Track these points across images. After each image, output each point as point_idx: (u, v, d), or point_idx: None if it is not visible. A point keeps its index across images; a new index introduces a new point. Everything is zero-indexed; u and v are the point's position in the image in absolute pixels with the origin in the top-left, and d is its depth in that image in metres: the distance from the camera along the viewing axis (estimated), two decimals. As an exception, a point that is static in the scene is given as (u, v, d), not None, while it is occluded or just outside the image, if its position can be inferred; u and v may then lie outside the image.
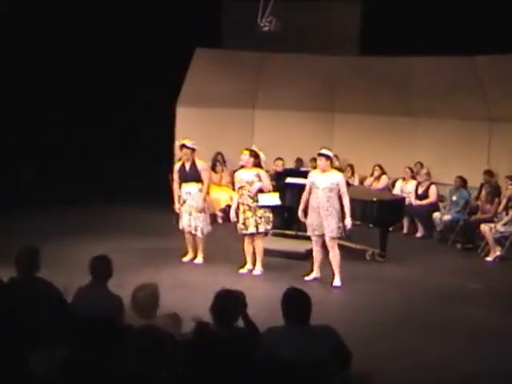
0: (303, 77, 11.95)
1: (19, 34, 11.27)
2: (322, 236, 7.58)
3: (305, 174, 8.06)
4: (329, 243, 7.55)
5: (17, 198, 10.67)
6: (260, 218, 7.83)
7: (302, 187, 7.87)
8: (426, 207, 10.45)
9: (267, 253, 8.18)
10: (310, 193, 7.61)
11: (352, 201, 8.32)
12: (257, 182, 7.82)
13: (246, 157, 7.86)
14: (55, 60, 11.77)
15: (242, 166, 8.21)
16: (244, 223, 7.87)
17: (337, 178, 7.56)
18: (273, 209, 7.97)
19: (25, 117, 11.74)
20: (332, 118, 12.07)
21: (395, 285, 7.69)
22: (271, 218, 7.94)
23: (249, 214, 7.83)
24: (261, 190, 7.82)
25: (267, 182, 7.92)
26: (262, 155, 7.95)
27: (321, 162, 7.51)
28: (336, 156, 11.42)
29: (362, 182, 11.54)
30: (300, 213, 7.69)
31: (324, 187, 7.51)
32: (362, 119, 11.77)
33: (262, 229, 7.86)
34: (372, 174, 11.41)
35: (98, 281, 4.71)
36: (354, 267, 8.28)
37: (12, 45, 11.18)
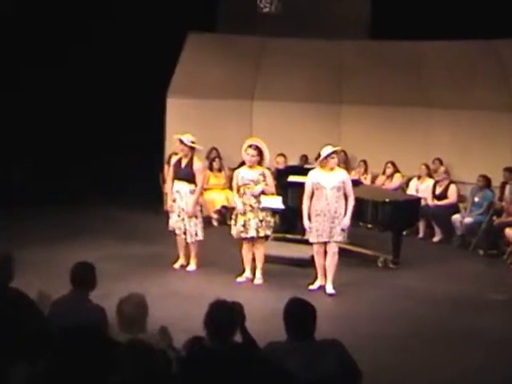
0: (307, 64, 12.01)
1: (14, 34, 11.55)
2: (325, 243, 7.63)
3: (307, 172, 8.04)
4: (332, 248, 7.61)
5: (3, 198, 10.74)
6: (261, 221, 7.84)
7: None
8: (444, 208, 10.45)
9: (268, 259, 8.21)
10: (311, 196, 7.67)
11: (362, 202, 8.46)
12: (261, 183, 7.86)
13: (253, 158, 7.83)
14: (39, 49, 11.83)
15: (243, 163, 8.25)
16: (244, 225, 7.87)
17: (343, 176, 7.65)
18: (274, 212, 8.03)
19: (15, 115, 11.87)
20: (339, 110, 12.07)
21: (409, 294, 7.73)
22: (272, 223, 7.96)
23: (250, 215, 7.83)
24: (262, 192, 7.85)
25: (272, 184, 7.97)
26: (266, 154, 7.93)
27: (335, 160, 7.60)
28: (344, 152, 11.46)
29: (373, 180, 11.58)
30: (306, 220, 7.66)
31: (332, 187, 7.55)
32: (371, 111, 11.79)
33: (262, 233, 7.88)
34: (384, 172, 11.42)
35: (79, 291, 4.72)
36: (364, 275, 8.36)
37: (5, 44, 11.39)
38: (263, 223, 7.85)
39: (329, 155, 7.56)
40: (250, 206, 7.84)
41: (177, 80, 11.89)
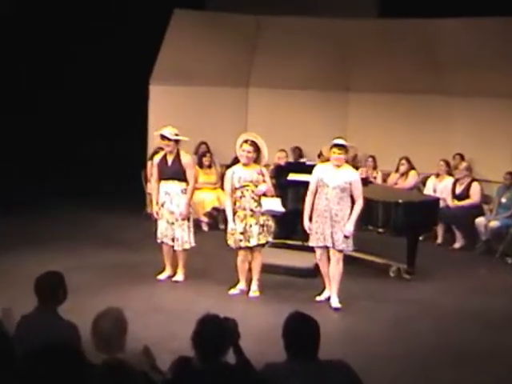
0: (309, 46, 12.10)
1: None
2: (327, 248, 7.66)
3: (312, 169, 8.07)
4: (333, 257, 7.63)
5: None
6: (262, 226, 7.84)
7: (308, 185, 7.90)
8: (466, 210, 10.48)
9: (266, 268, 8.22)
10: (315, 193, 7.66)
11: (372, 203, 8.45)
12: (263, 184, 7.84)
13: (250, 154, 7.80)
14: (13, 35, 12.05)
15: (236, 160, 8.20)
16: (244, 233, 7.84)
17: (352, 175, 7.65)
18: (273, 216, 8.04)
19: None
20: (345, 99, 12.17)
21: (427, 309, 7.72)
22: (273, 228, 7.98)
23: (252, 220, 7.81)
24: (264, 194, 7.85)
25: (270, 184, 7.98)
26: (264, 151, 7.90)
27: (341, 155, 7.58)
28: (352, 147, 11.46)
29: (384, 179, 11.65)
30: (306, 221, 7.71)
31: (335, 185, 7.56)
32: (382, 99, 11.86)
33: (263, 240, 7.90)
34: (397, 170, 11.45)
35: (47, 305, 4.68)
36: (375, 287, 8.36)
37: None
38: (265, 228, 7.86)
39: (335, 146, 7.54)
40: (251, 210, 7.81)
41: (161, 64, 11.93)
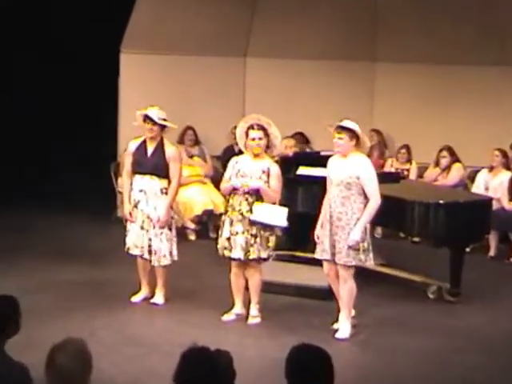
0: (323, 4, 12.13)
1: None
2: (332, 261, 7.61)
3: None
4: (341, 273, 7.59)
5: None
6: (254, 236, 7.82)
7: (322, 182, 7.94)
8: (527, 214, 10.64)
9: (269, 288, 8.23)
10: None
11: (405, 204, 8.52)
12: (258, 181, 7.77)
13: (261, 141, 7.80)
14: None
15: (230, 152, 8.16)
16: (228, 239, 7.89)
17: (361, 166, 7.53)
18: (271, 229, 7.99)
19: None
20: (370, 71, 12.18)
21: (475, 340, 7.67)
22: (272, 242, 7.93)
23: (238, 227, 7.84)
24: (260, 197, 7.81)
25: (276, 186, 7.92)
26: (277, 138, 7.90)
27: (341, 140, 7.50)
28: (377, 132, 11.49)
29: (420, 174, 11.64)
30: (317, 227, 7.73)
31: (339, 181, 7.54)
32: (418, 71, 11.85)
33: (253, 255, 7.85)
34: (437, 163, 11.44)
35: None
36: (407, 312, 8.30)
37: None
38: (258, 240, 7.82)
39: (341, 127, 7.48)
40: (241, 213, 7.84)
41: (134, 26, 11.95)
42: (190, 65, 12.08)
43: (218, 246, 8.03)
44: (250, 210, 7.79)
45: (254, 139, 7.81)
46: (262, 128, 7.85)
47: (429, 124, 11.80)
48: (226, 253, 7.94)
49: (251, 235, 7.83)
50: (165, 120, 8.34)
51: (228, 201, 8.01)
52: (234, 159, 8.10)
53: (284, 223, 7.86)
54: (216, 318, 7.94)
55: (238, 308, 8.08)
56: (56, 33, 12.71)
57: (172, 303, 8.34)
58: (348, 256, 7.50)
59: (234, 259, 7.96)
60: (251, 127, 7.88)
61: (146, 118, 8.27)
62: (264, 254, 7.89)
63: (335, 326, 7.75)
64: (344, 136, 7.47)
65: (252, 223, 7.80)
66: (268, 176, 7.85)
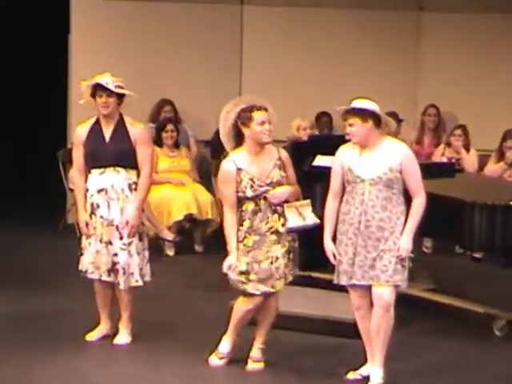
0: None
1: None
2: (367, 288, 7.46)
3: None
4: (385, 299, 7.39)
5: None
6: (288, 253, 7.90)
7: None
8: None
9: (275, 321, 7.98)
10: (340, 195, 7.58)
11: (461, 206, 8.52)
12: (282, 187, 7.80)
13: (268, 125, 7.78)
14: None
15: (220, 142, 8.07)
16: (249, 273, 7.82)
17: (399, 154, 7.44)
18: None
19: None
20: (414, 22, 12.66)
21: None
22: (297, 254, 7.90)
23: (277, 250, 7.83)
24: (286, 200, 7.86)
25: (294, 177, 7.97)
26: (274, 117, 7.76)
27: (351, 127, 7.41)
28: (436, 108, 11.41)
29: (482, 165, 11.57)
30: (327, 242, 7.57)
31: (375, 179, 7.41)
32: (480, 23, 12.21)
33: (290, 277, 7.98)
34: (501, 154, 11.43)
35: None
36: (465, 354, 8.23)
37: None
38: (291, 256, 7.91)
39: (348, 111, 7.43)
40: (276, 231, 7.78)
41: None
42: (168, 15, 12.31)
43: (248, 287, 7.84)
44: (284, 224, 7.81)
45: (263, 123, 7.70)
46: (265, 109, 7.74)
47: (491, 98, 11.94)
48: (263, 288, 7.80)
49: (286, 252, 7.92)
50: (121, 88, 8.04)
51: (241, 223, 7.83)
52: (228, 163, 7.87)
53: (316, 219, 7.91)
54: (200, 363, 7.80)
55: (227, 346, 7.91)
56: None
57: (141, 342, 8.21)
58: (396, 273, 7.37)
59: (270, 293, 7.82)
60: (258, 109, 7.80)
61: (97, 89, 8.05)
62: (296, 271, 8.00)
63: (350, 375, 7.65)
64: (356, 120, 7.43)
65: (289, 232, 7.82)
66: (283, 167, 7.90)
